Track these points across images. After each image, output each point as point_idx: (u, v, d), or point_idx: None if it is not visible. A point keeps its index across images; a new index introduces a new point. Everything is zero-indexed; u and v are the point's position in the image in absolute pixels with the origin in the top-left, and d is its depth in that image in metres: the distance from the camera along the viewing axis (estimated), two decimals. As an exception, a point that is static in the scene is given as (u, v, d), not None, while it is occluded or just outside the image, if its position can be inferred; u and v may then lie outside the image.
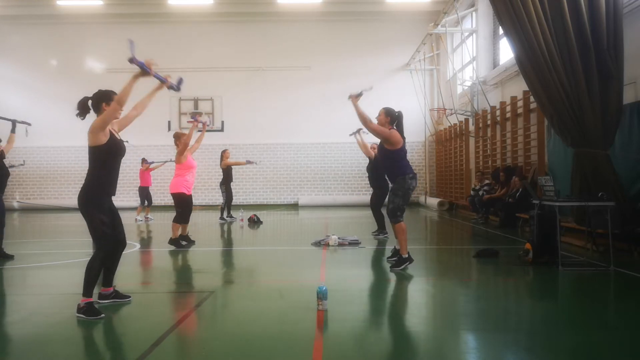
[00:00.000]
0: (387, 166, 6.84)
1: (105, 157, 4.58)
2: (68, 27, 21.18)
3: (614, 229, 6.50)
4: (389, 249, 8.46)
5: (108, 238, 4.63)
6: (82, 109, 4.70)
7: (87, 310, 4.43)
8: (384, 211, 9.85)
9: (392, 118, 6.71)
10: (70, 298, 4.70)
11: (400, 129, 6.70)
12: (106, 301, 4.91)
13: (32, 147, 20.20)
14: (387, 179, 9.66)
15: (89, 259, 4.67)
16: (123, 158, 4.78)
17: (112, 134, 4.61)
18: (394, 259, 6.82)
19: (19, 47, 21.31)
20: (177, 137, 8.75)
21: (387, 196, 6.63)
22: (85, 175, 4.67)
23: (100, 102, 4.64)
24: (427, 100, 20.41)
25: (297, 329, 4.16)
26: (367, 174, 10.71)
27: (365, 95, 6.82)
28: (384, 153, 6.76)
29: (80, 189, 4.65)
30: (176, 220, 8.77)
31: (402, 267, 6.43)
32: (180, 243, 8.75)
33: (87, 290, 4.51)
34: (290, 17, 20.91)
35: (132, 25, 21.17)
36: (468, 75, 17.20)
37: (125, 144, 4.83)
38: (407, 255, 6.49)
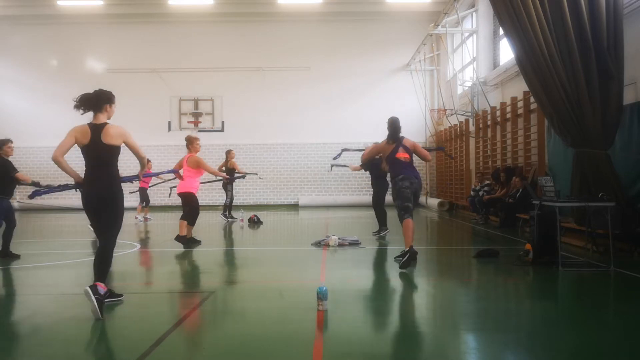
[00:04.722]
0: (390, 172, 7.29)
1: (118, 156, 4.87)
2: (68, 27, 21.15)
3: (614, 229, 6.49)
4: (390, 249, 8.48)
5: None
6: (87, 105, 4.79)
7: (112, 294, 4.79)
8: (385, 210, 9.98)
9: (387, 126, 7.18)
10: (70, 298, 4.71)
11: (390, 134, 7.09)
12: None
13: (33, 147, 20.19)
14: (384, 179, 9.92)
15: (102, 251, 4.70)
16: (121, 161, 4.95)
17: None
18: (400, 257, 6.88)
19: (20, 47, 21.28)
20: (190, 141, 9.16)
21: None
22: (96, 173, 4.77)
23: (105, 102, 4.81)
24: (427, 100, 20.39)
25: (297, 329, 4.16)
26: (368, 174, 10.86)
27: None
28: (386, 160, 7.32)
29: (103, 183, 4.70)
30: (184, 218, 8.95)
31: (407, 259, 6.44)
32: (187, 241, 8.85)
33: (105, 276, 4.69)
34: (290, 18, 20.89)
35: (132, 25, 21.18)
36: (468, 76, 17.18)
37: None
38: (407, 249, 6.51)
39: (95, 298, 4.35)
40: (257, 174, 16.67)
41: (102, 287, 4.49)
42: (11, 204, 7.82)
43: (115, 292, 5.05)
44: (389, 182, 10.06)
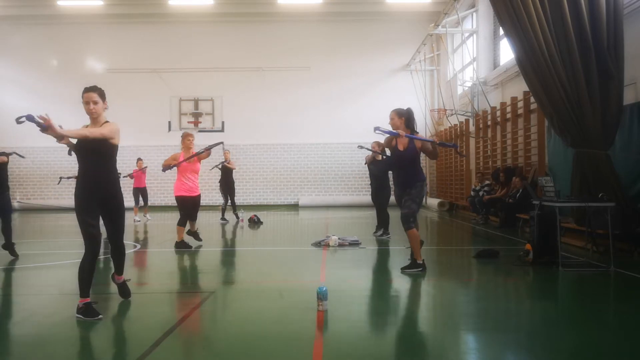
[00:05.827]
0: (410, 170, 6.40)
1: (80, 157, 4.66)
2: (68, 27, 21.17)
3: (614, 229, 6.49)
4: (390, 249, 8.48)
5: (92, 239, 4.58)
6: None
7: (85, 310, 4.42)
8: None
9: (406, 117, 6.44)
10: (71, 298, 4.70)
11: (412, 126, 6.46)
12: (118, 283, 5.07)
13: (32, 147, 20.14)
14: (388, 183, 9.47)
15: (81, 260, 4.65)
16: (118, 160, 4.80)
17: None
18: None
19: (20, 47, 21.30)
20: (181, 138, 8.78)
21: (402, 200, 6.40)
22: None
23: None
24: (428, 100, 20.40)
25: (297, 329, 4.16)
26: (368, 172, 10.36)
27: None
28: (409, 155, 6.36)
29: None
30: (179, 223, 8.67)
31: (414, 270, 6.32)
32: (186, 244, 8.60)
33: (83, 291, 4.50)
34: (290, 18, 20.91)
35: (132, 25, 21.19)
36: (468, 76, 17.19)
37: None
38: (421, 262, 6.39)
39: (81, 313, 4.40)
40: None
41: (80, 302, 4.47)
42: (10, 199, 7.88)
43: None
44: (391, 186, 9.73)
